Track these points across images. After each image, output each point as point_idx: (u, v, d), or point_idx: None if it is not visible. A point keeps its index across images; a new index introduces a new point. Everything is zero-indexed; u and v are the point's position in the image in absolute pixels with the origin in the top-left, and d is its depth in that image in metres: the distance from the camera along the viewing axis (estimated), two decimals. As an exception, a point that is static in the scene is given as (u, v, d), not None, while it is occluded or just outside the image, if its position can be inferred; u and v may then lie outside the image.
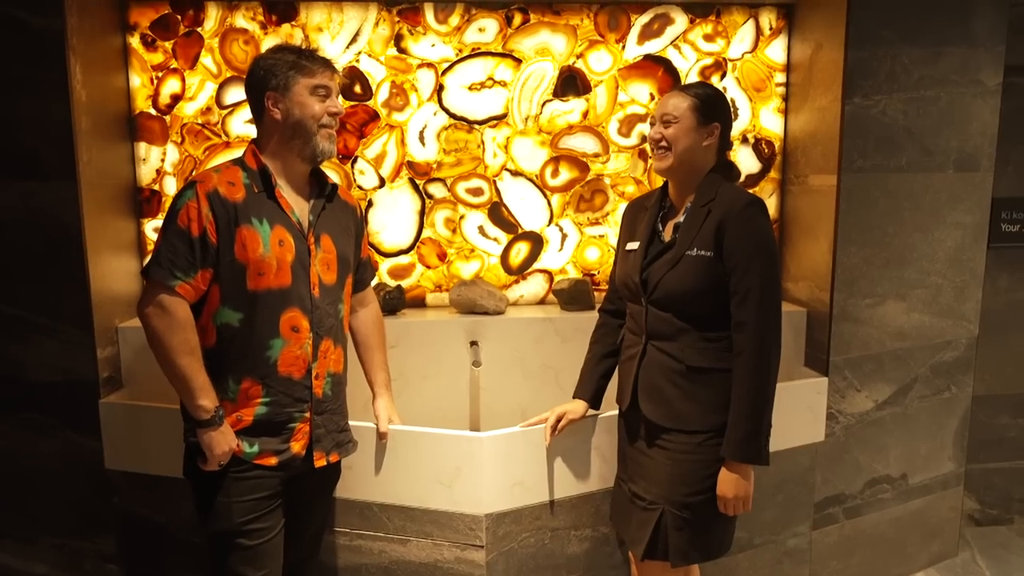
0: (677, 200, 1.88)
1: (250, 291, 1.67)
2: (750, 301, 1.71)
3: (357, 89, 2.71)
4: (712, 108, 1.82)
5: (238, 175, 1.72)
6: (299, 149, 1.73)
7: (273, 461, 1.73)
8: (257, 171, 1.73)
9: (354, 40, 2.68)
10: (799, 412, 2.50)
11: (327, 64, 1.76)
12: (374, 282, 2.74)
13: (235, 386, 1.71)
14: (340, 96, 1.82)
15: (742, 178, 2.88)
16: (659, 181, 1.96)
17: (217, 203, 1.65)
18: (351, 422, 1.96)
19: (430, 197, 2.81)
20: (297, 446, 1.76)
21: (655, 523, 1.82)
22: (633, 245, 1.90)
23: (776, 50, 2.84)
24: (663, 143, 1.81)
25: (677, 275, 1.77)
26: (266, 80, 1.71)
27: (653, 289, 1.80)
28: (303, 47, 1.76)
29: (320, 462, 1.79)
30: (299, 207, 1.76)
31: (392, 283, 2.80)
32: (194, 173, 2.64)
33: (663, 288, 1.78)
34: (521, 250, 2.89)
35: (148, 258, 1.79)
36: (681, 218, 1.83)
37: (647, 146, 1.88)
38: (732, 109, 2.02)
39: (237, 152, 2.36)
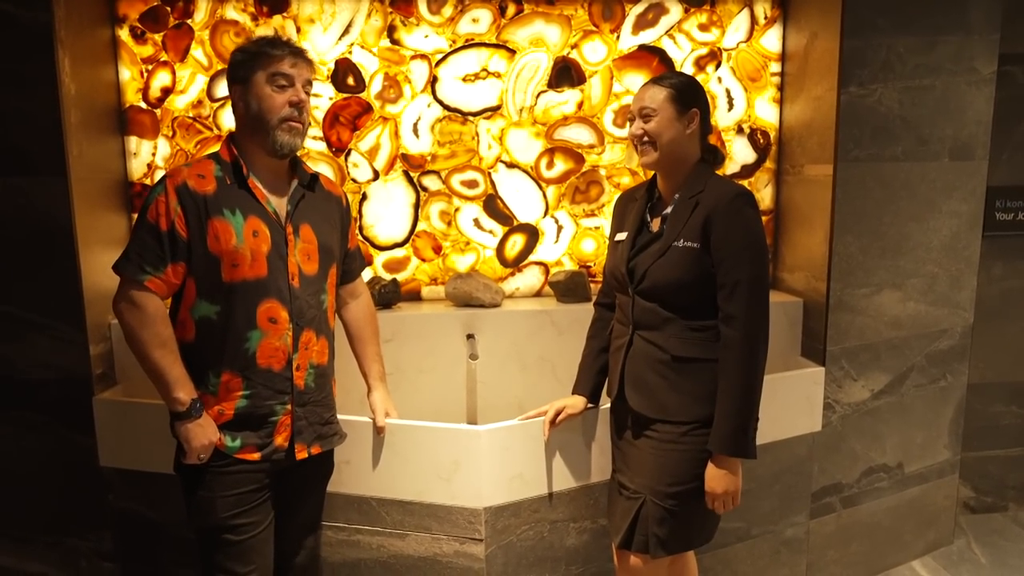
0: (665, 191, 1.87)
1: (225, 283, 1.65)
2: (739, 294, 1.69)
3: (350, 81, 2.69)
4: (689, 95, 1.79)
5: (210, 168, 1.70)
6: (261, 142, 1.70)
7: (256, 456, 1.72)
8: (230, 163, 1.71)
9: (346, 31, 2.66)
10: (796, 402, 2.50)
11: (293, 52, 1.68)
12: (368, 275, 2.73)
13: (215, 379, 1.69)
14: (309, 84, 1.73)
15: (738, 168, 2.88)
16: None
17: (186, 196, 1.64)
18: (349, 416, 1.95)
19: (425, 190, 2.79)
20: (280, 439, 1.74)
21: (635, 512, 1.82)
22: (621, 236, 1.89)
23: (771, 39, 2.83)
24: (646, 138, 1.79)
25: (664, 266, 1.76)
26: (233, 73, 1.70)
27: (640, 280, 1.80)
28: (276, 36, 1.71)
29: (301, 454, 1.77)
30: (276, 197, 1.74)
31: (387, 277, 2.78)
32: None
33: (650, 278, 1.78)
34: (517, 242, 2.88)
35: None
36: (669, 209, 1.82)
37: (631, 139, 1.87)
38: (709, 94, 2.03)
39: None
